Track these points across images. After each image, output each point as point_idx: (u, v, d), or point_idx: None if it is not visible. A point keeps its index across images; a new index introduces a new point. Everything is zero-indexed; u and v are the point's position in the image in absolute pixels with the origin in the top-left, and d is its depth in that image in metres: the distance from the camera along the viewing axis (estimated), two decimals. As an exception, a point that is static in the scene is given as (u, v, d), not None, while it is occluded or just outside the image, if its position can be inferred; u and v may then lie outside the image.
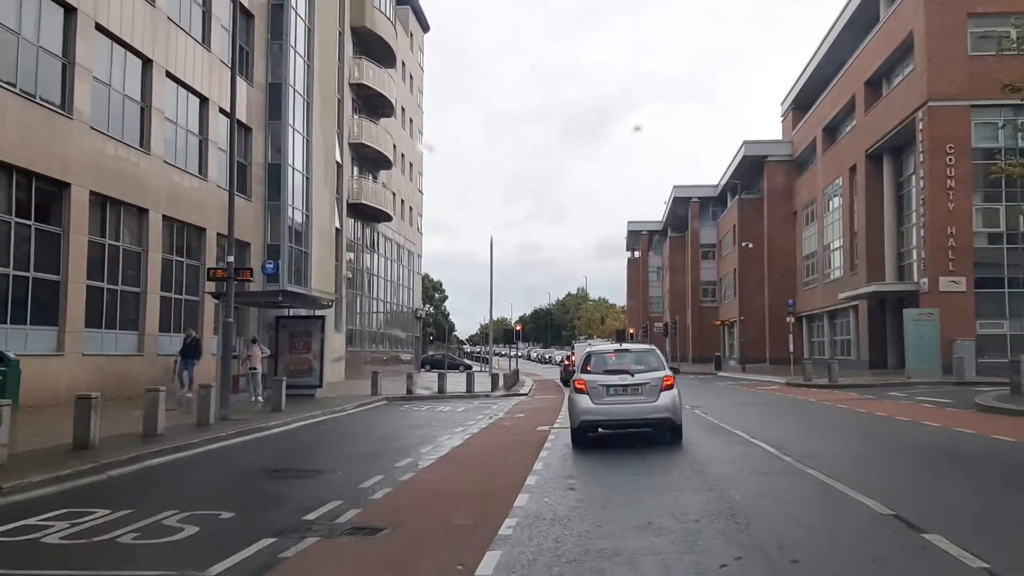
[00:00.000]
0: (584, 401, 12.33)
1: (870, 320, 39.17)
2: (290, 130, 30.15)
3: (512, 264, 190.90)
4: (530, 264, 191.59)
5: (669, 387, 12.20)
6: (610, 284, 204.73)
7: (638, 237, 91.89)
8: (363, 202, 40.08)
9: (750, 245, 50.82)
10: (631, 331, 75.26)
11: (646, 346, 14.78)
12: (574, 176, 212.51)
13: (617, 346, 15.37)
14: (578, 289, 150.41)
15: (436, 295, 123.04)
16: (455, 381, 33.01)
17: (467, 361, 69.12)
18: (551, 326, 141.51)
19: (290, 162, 30.10)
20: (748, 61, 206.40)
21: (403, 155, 51.64)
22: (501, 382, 32.89)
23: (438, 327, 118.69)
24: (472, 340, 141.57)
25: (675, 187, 72.25)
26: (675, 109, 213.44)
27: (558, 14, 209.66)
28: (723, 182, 66.14)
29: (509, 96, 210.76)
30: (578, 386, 12.58)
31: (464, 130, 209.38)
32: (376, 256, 45.83)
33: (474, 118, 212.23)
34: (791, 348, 38.82)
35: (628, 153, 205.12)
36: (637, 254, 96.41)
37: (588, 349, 15.16)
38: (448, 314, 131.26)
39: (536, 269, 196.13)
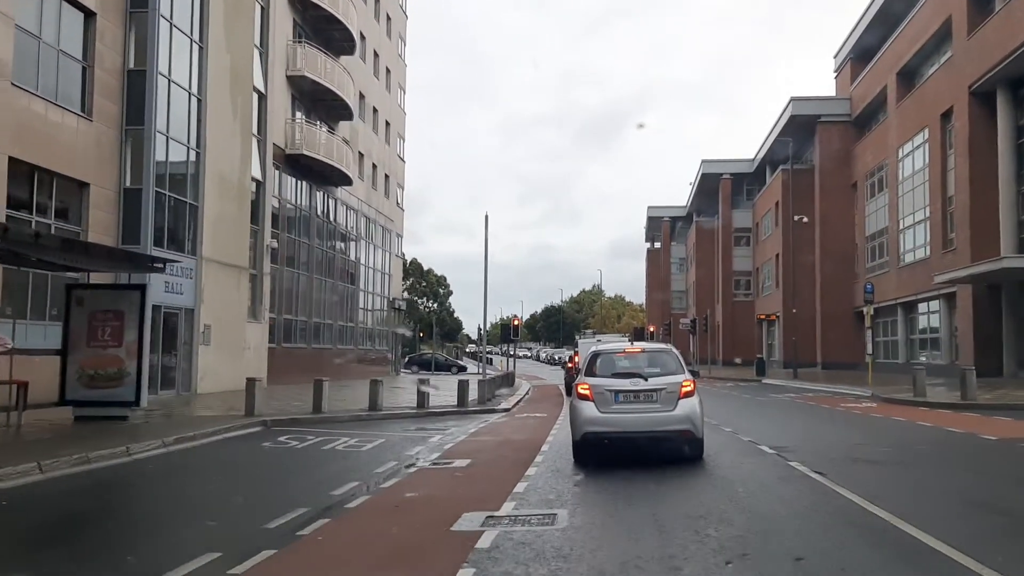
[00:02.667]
0: (588, 409, 10.41)
1: (976, 312, 29.34)
2: (165, 25, 20.82)
3: (527, 266, 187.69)
4: (545, 266, 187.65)
5: (689, 394, 10.28)
6: (626, 285, 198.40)
7: (659, 224, 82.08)
8: (305, 153, 30.69)
9: (805, 219, 40.92)
10: (651, 329, 65.64)
11: (662, 345, 12.57)
12: (588, 179, 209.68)
13: (628, 345, 12.97)
14: (593, 286, 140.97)
15: (441, 290, 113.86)
16: (415, 390, 23.69)
17: (461, 362, 59.65)
18: (563, 325, 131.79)
19: (164, 71, 20.76)
20: (761, 64, 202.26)
21: (375, 109, 42.27)
22: (474, 392, 23.51)
23: (442, 324, 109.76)
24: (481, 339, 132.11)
25: (703, 162, 62.44)
26: (689, 112, 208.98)
27: (570, 20, 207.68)
28: (761, 154, 56.28)
29: (524, 100, 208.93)
30: (582, 391, 10.58)
31: (480, 133, 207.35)
32: (331, 228, 36.41)
33: (489, 121, 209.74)
34: (869, 349, 29.01)
35: (643, 156, 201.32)
36: (658, 244, 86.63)
37: (594, 348, 12.14)
38: (453, 311, 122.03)
39: (551, 271, 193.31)
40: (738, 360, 58.09)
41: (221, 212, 23.55)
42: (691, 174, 77.53)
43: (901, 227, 37.37)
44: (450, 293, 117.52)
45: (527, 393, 31.58)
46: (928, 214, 34.09)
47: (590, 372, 10.96)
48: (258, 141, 26.88)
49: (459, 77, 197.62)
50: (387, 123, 44.62)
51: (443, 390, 25.57)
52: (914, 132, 35.52)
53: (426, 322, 68.74)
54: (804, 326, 43.46)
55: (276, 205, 29.91)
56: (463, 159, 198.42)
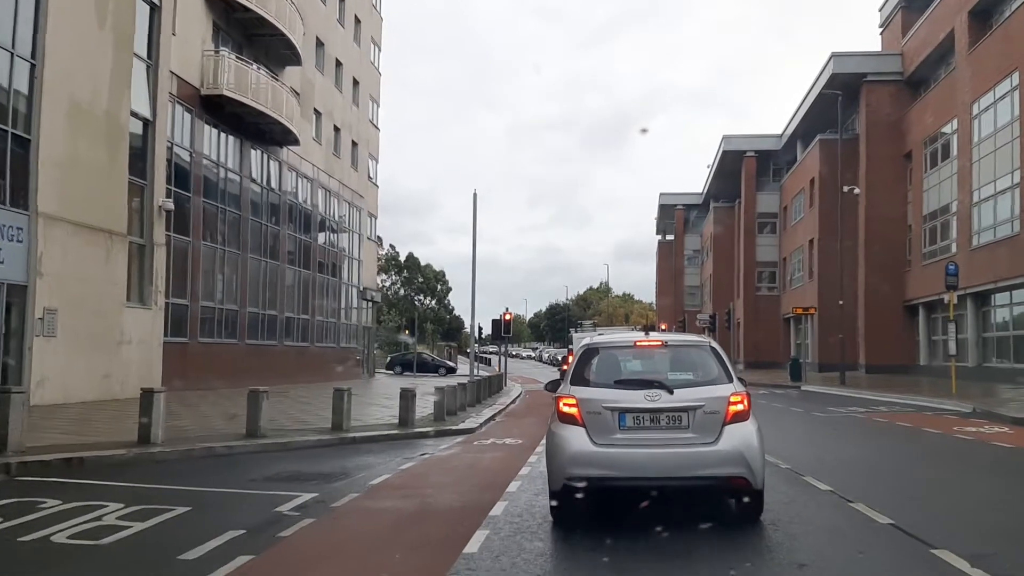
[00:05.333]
0: (575, 439, 6.40)
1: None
2: None
3: (534, 268, 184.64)
4: (552, 268, 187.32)
5: (740, 416, 6.34)
6: (634, 287, 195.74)
7: (671, 213, 75.23)
8: (227, 94, 24.06)
9: (856, 190, 34.08)
10: (663, 327, 58.88)
11: (695, 338, 7.75)
12: (596, 182, 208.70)
13: (641, 336, 7.26)
14: (600, 283, 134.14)
15: (439, 287, 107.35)
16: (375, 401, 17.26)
17: (450, 362, 53.09)
18: (569, 324, 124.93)
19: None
20: (765, 70, 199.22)
21: (338, 62, 35.66)
22: (429, 404, 17.17)
23: (440, 322, 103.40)
24: (486, 339, 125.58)
25: (724, 137, 55.57)
26: (695, 117, 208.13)
27: (577, 27, 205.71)
28: (791, 128, 49.38)
29: (531, 104, 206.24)
30: (565, 410, 6.56)
31: (487, 137, 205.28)
32: (275, 197, 29.76)
33: (497, 125, 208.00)
34: (952, 349, 22.36)
35: (650, 160, 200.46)
36: (670, 237, 79.77)
37: (588, 341, 7.39)
38: (453, 309, 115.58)
39: (557, 273, 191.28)
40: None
41: (76, 154, 16.94)
42: (699, 177, 71.00)
43: (975, 200, 30.53)
44: (449, 290, 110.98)
45: (513, 402, 25.16)
46: (1017, 180, 27.25)
47: (580, 379, 6.79)
48: (148, 67, 20.25)
49: (467, 82, 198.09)
50: (355, 81, 37.98)
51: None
52: (996, 80, 28.67)
53: (410, 317, 62.15)
54: (846, 322, 36.64)
55: (186, 159, 23.35)
56: (471, 162, 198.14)
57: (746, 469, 6.20)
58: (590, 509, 6.79)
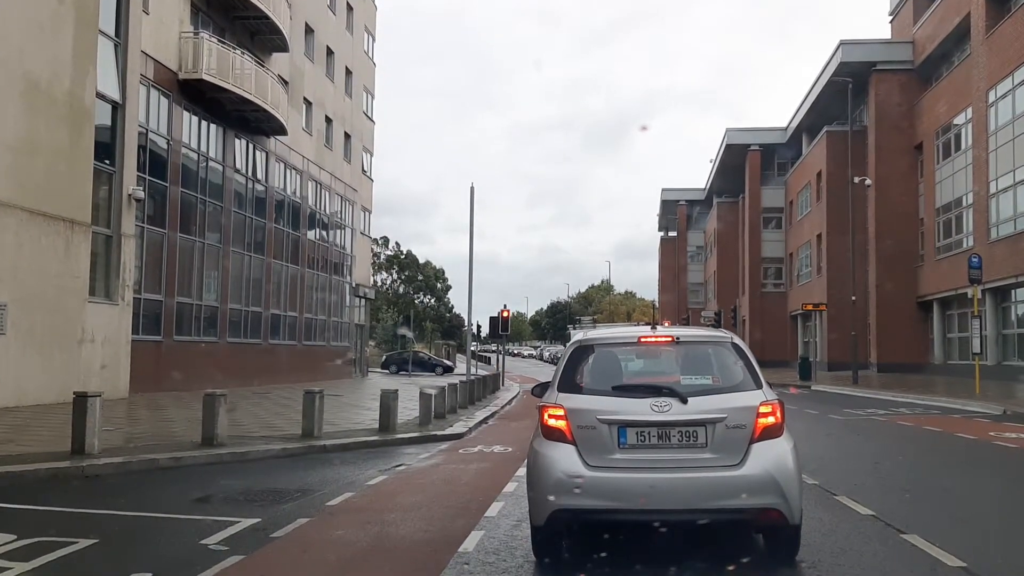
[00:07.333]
0: (563, 460, 5.14)
1: None
2: None
3: (535, 268, 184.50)
4: (553, 267, 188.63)
5: (771, 431, 5.11)
6: (635, 286, 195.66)
7: (674, 208, 73.86)
8: (206, 79, 22.73)
9: (868, 181, 32.71)
10: (666, 324, 57.41)
11: (714, 333, 6.21)
12: (596, 182, 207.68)
13: (647, 331, 5.82)
14: (602, 281, 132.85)
15: (439, 285, 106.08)
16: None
17: (447, 361, 51.79)
18: (570, 322, 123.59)
19: None
20: (765, 71, 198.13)
21: (330, 50, 34.34)
22: (413, 407, 15.93)
23: (440, 320, 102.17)
24: (485, 338, 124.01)
25: (728, 131, 54.19)
26: (695, 118, 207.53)
27: (578, 29, 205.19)
28: (796, 121, 48.01)
29: (532, 105, 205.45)
30: (551, 423, 5.30)
31: (489, 137, 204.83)
32: (261, 190, 28.46)
33: (498, 126, 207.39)
34: (976, 347, 21.04)
35: (650, 160, 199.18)
36: (673, 233, 78.44)
37: (580, 336, 6.07)
38: (452, 307, 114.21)
39: (558, 272, 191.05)
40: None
41: (34, 137, 15.68)
42: (699, 177, 69.38)
43: (992, 191, 29.19)
44: (448, 288, 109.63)
45: (508, 403, 23.90)
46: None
47: (570, 383, 5.46)
48: (116, 47, 18.94)
49: (468, 83, 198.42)
50: (348, 71, 36.66)
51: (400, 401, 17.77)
52: (1016, 65, 27.30)
53: (407, 315, 60.85)
54: (855, 320, 35.29)
55: (162, 146, 22.07)
56: (472, 162, 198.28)
57: (780, 499, 4.92)
58: (583, 547, 5.50)
